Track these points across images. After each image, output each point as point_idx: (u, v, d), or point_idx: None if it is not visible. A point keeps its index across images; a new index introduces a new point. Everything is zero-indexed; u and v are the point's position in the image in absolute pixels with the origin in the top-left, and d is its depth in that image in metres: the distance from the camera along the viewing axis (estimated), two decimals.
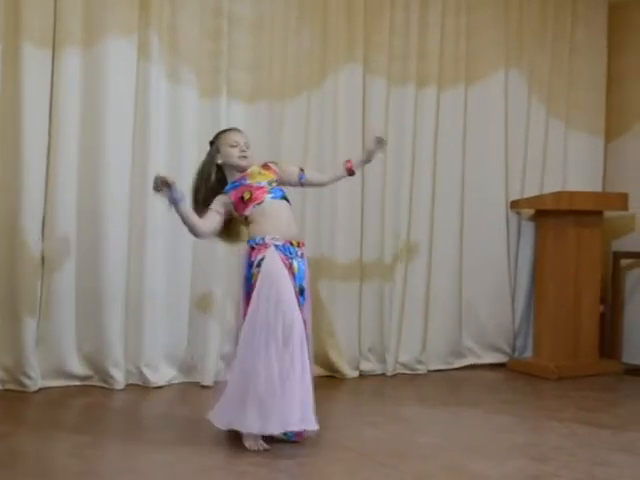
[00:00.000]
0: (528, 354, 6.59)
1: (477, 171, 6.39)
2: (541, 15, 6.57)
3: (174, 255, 5.46)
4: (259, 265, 3.98)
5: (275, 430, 3.90)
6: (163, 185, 3.89)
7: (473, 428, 4.63)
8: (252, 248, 4.05)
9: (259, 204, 4.12)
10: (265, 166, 4.27)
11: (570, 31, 6.67)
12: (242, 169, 4.20)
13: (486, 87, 6.40)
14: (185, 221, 4.05)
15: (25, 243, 5.04)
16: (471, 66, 6.34)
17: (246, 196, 4.12)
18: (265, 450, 3.93)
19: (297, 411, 3.86)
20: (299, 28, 5.78)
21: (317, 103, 5.83)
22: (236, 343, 4.05)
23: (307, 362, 3.95)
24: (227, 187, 4.21)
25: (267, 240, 4.03)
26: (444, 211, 6.25)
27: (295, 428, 3.92)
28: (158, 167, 5.32)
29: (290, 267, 4.04)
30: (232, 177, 4.22)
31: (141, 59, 5.32)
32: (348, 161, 4.41)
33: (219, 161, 4.22)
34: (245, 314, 3.96)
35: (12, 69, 5.01)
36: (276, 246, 4.02)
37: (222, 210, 4.15)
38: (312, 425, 3.91)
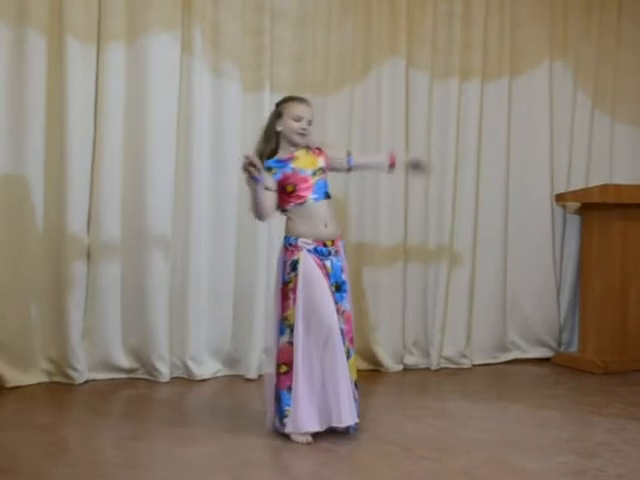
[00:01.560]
0: (574, 348, 6.53)
1: (522, 164, 6.35)
2: (586, 6, 6.49)
3: (218, 249, 5.49)
4: (294, 269, 4.03)
5: (322, 426, 3.97)
6: (251, 166, 3.86)
7: (517, 423, 4.59)
8: (286, 247, 4.10)
9: (300, 204, 4.11)
10: (316, 151, 4.24)
11: (616, 22, 6.57)
12: (297, 145, 4.17)
13: (531, 79, 6.34)
14: (256, 202, 4.04)
15: (71, 237, 5.11)
16: (515, 58, 6.29)
17: (289, 189, 4.11)
18: (309, 443, 3.95)
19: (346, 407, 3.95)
20: (342, 22, 5.78)
21: (360, 97, 5.82)
22: (271, 337, 4.14)
23: (345, 361, 4.01)
24: (273, 162, 4.14)
25: (300, 243, 4.06)
26: (489, 205, 6.21)
27: (341, 424, 3.98)
28: (202, 162, 5.39)
29: (324, 267, 4.06)
30: (283, 149, 4.17)
31: (184, 54, 5.35)
32: (392, 154, 4.40)
33: (278, 128, 4.17)
34: (282, 310, 4.05)
35: (57, 64, 5.07)
36: (308, 250, 4.05)
37: (275, 187, 4.11)
38: (353, 420, 3.99)
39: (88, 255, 5.21)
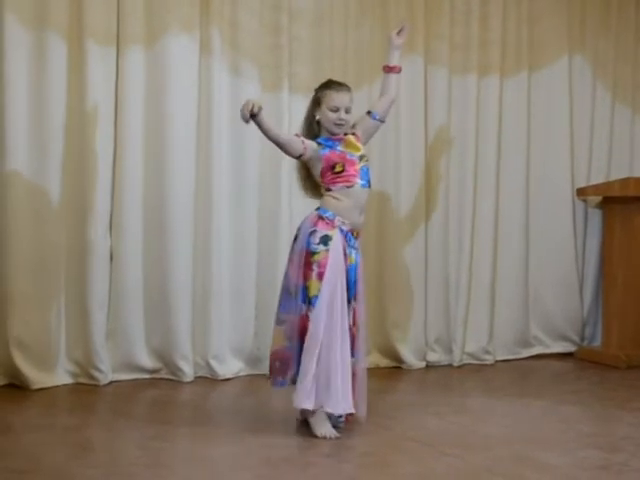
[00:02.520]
0: (597, 343, 6.51)
1: (542, 159, 6.34)
2: (604, 0, 6.47)
3: (240, 248, 5.51)
4: (325, 243, 4.01)
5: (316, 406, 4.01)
6: (251, 112, 3.88)
7: (540, 418, 4.59)
8: (320, 217, 4.07)
9: (348, 187, 4.11)
10: (356, 136, 4.24)
11: (635, 15, 6.55)
12: (336, 135, 4.17)
13: (550, 74, 6.33)
14: (268, 135, 4.10)
15: (93, 239, 5.14)
16: (534, 53, 6.28)
17: (338, 168, 4.10)
18: (337, 438, 3.98)
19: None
20: (359, 20, 5.79)
21: (378, 96, 5.80)
22: (281, 304, 4.15)
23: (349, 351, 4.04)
24: (322, 139, 4.16)
25: (337, 221, 4.06)
26: (509, 199, 6.21)
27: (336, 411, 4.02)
28: (222, 161, 5.41)
29: (346, 256, 4.08)
30: (325, 134, 4.18)
31: (203, 55, 5.37)
32: (383, 67, 4.43)
33: (317, 117, 4.18)
34: (304, 279, 4.02)
35: (77, 67, 5.10)
36: (341, 230, 4.05)
37: (308, 148, 4.10)
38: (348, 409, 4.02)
39: (111, 257, 5.24)
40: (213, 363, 5.40)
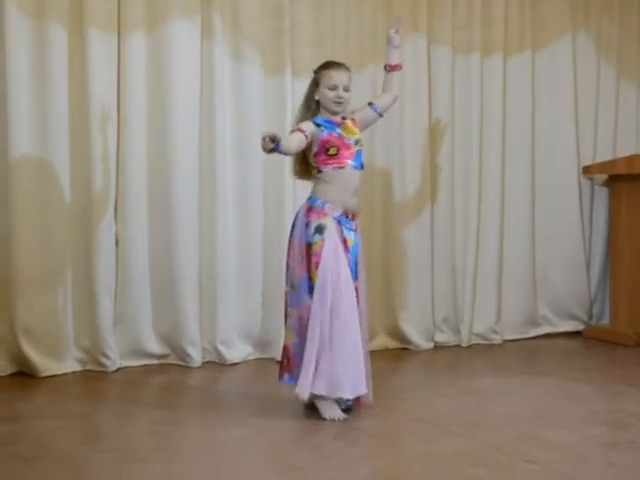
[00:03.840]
0: (605, 321, 6.50)
1: (547, 138, 6.32)
2: None
3: (245, 232, 5.51)
4: (320, 232, 4.03)
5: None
6: (271, 142, 3.84)
7: (549, 397, 4.59)
8: (310, 208, 4.10)
9: (340, 168, 4.12)
10: (354, 121, 4.25)
11: None
12: (336, 114, 4.18)
13: (553, 53, 6.30)
14: (288, 154, 4.12)
15: (99, 225, 5.14)
16: (537, 32, 6.25)
17: (332, 151, 4.11)
18: (345, 420, 3.98)
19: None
20: (361, 2, 5.76)
21: (382, 77, 5.77)
22: (290, 299, 4.17)
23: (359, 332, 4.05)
24: (322, 121, 4.16)
25: (327, 209, 4.07)
26: (515, 179, 6.20)
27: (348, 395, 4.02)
28: (226, 145, 5.40)
29: (345, 241, 4.09)
30: (325, 115, 4.19)
31: (205, 40, 5.35)
32: (385, 66, 4.43)
33: (316, 97, 4.20)
34: (307, 270, 4.05)
35: (78, 55, 5.09)
36: (334, 217, 4.07)
37: (309, 135, 4.09)
38: (362, 390, 4.02)
39: (117, 243, 5.25)
40: (221, 348, 5.40)
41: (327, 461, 3.50)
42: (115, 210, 5.24)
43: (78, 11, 5.08)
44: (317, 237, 4.03)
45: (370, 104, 4.37)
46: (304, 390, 3.97)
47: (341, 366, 3.96)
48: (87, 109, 5.11)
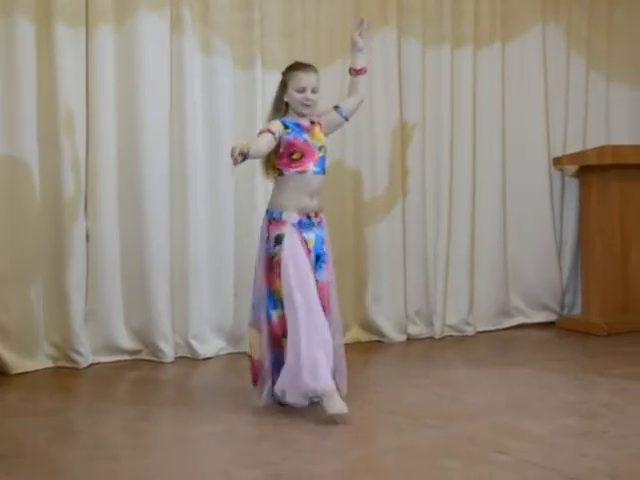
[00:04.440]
0: (577, 311, 6.53)
1: (518, 129, 6.33)
2: None
3: (216, 226, 5.49)
4: (279, 242, 4.05)
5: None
6: (240, 156, 3.82)
7: (522, 387, 4.61)
8: (269, 221, 4.12)
9: (300, 172, 4.11)
10: (320, 126, 4.23)
11: None
12: (304, 115, 4.18)
13: (523, 44, 6.32)
14: (258, 157, 4.08)
15: (69, 221, 5.11)
16: (507, 24, 6.26)
17: (296, 156, 4.10)
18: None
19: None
20: None
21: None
22: (255, 312, 4.18)
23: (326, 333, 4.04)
24: (291, 123, 4.14)
25: (284, 217, 4.07)
26: (486, 171, 6.20)
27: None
28: (196, 141, 5.37)
29: (306, 242, 4.09)
30: (294, 117, 4.18)
31: (174, 33, 5.32)
32: (350, 70, 4.39)
33: (285, 99, 4.19)
34: (270, 283, 4.09)
35: (46, 50, 5.05)
36: (292, 224, 4.07)
37: (278, 136, 4.08)
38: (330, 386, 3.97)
39: (87, 237, 5.21)
40: (193, 343, 5.38)
41: (300, 455, 3.50)
42: (85, 206, 5.20)
43: (46, 5, 5.04)
44: (277, 247, 4.05)
45: (336, 107, 4.36)
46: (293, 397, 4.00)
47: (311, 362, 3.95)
48: (55, 105, 5.06)
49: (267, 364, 4.12)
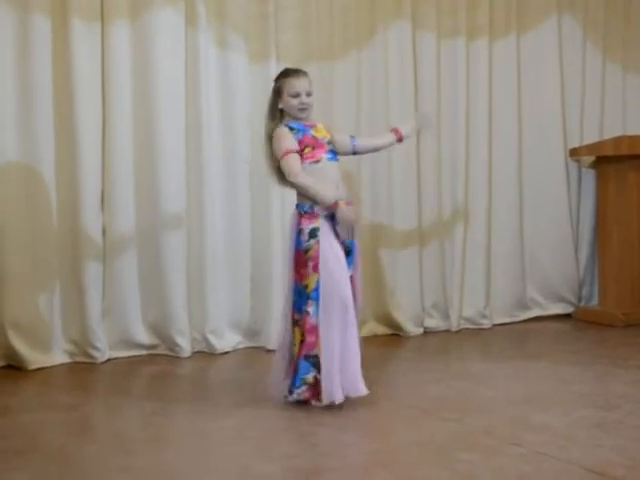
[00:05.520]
0: (594, 303, 6.51)
1: (534, 121, 6.31)
2: None
3: (232, 220, 5.49)
4: (314, 236, 4.03)
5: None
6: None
7: (539, 380, 4.60)
8: (301, 215, 4.09)
9: (315, 162, 4.11)
10: (321, 124, 4.25)
11: None
12: (301, 120, 4.18)
13: (539, 35, 6.29)
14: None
15: (86, 217, 5.12)
16: (522, 15, 6.23)
17: (307, 150, 4.10)
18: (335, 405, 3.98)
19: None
20: None
21: (367, 62, 5.79)
22: (289, 306, 4.14)
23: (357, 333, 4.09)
24: (295, 124, 4.15)
25: (316, 210, 4.06)
26: (502, 163, 6.19)
27: (358, 393, 4.02)
28: (212, 136, 5.38)
29: (337, 234, 4.08)
30: (291, 121, 4.18)
31: (189, 27, 5.32)
32: (396, 130, 4.41)
33: (280, 106, 4.19)
34: (300, 278, 4.05)
35: (62, 45, 5.06)
36: (325, 216, 4.06)
37: (299, 147, 4.10)
38: (364, 390, 4.03)
39: (104, 233, 5.22)
40: (210, 337, 5.39)
41: (318, 448, 3.51)
42: (102, 201, 5.21)
43: (61, 1, 5.05)
44: (312, 241, 4.03)
45: (352, 136, 4.41)
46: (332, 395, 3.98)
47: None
48: (72, 101, 5.06)
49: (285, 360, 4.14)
